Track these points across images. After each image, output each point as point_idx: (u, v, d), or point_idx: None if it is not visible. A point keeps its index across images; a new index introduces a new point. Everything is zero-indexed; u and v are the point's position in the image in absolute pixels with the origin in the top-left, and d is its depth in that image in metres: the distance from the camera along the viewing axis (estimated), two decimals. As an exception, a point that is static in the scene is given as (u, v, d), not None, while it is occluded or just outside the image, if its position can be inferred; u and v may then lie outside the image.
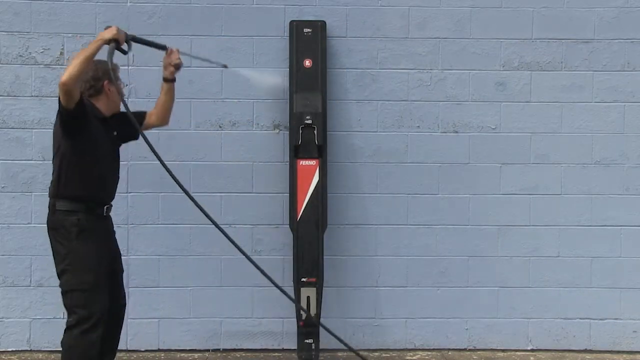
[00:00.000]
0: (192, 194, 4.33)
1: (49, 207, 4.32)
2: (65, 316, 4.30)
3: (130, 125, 4.49)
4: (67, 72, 4.04)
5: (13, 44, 5.59)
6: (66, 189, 4.26)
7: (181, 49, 4.69)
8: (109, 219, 4.49)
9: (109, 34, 4.23)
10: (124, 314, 4.60)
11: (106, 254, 4.36)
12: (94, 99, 4.40)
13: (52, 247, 4.34)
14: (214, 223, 4.32)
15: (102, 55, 4.27)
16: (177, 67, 4.63)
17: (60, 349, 4.50)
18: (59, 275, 4.29)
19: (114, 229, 4.54)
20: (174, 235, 5.67)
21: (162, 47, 4.66)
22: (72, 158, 4.24)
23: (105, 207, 4.40)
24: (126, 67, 5.52)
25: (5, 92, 5.59)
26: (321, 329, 5.30)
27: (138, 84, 5.57)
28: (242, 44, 5.68)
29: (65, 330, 4.27)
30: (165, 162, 4.23)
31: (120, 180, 5.53)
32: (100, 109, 4.40)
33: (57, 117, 4.25)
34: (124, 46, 4.37)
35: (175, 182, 4.20)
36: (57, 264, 4.30)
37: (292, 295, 5.41)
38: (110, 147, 4.45)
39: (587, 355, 5.72)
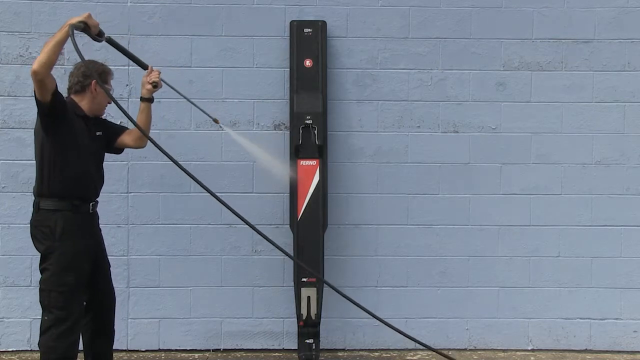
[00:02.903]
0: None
1: (33, 206, 4.30)
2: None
3: (113, 135, 4.52)
4: (37, 60, 4.00)
5: (13, 44, 5.59)
6: (50, 188, 4.23)
7: (167, 81, 4.61)
8: (94, 215, 4.45)
9: (77, 18, 4.14)
10: (114, 308, 4.60)
11: (89, 253, 4.33)
12: (79, 96, 4.39)
13: (34, 245, 4.31)
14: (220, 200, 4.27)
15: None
16: (155, 85, 4.52)
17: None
18: (40, 272, 4.27)
19: (100, 226, 4.53)
20: (174, 235, 5.67)
21: (143, 66, 4.59)
22: (53, 155, 4.21)
23: (90, 204, 4.36)
24: (126, 67, 5.53)
25: (5, 92, 5.59)
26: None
27: (138, 84, 5.54)
28: (242, 44, 5.68)
29: (41, 331, 4.22)
30: (165, 163, 4.23)
31: (120, 180, 5.58)
32: (82, 107, 4.38)
33: (37, 116, 4.23)
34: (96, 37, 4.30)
35: (189, 176, 4.19)
36: (40, 262, 4.28)
37: (293, 294, 5.43)
38: (93, 145, 4.40)
39: (587, 355, 5.72)
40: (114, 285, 5.58)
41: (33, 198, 4.32)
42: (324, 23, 5.63)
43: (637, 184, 5.76)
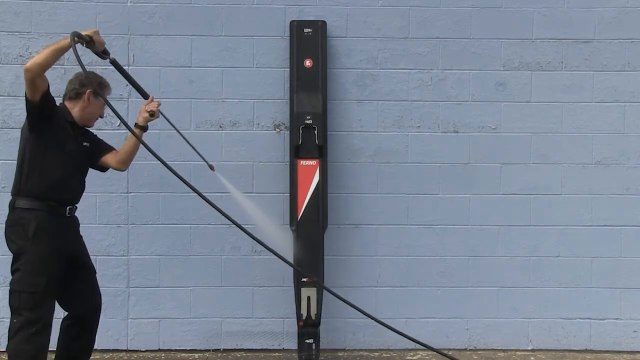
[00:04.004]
0: (193, 194, 4.31)
1: (9, 205, 4.28)
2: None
3: (98, 151, 4.49)
4: (33, 59, 4.04)
5: (13, 44, 5.59)
6: (27, 187, 4.21)
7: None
8: (72, 219, 4.40)
9: (85, 31, 4.17)
10: (99, 315, 4.53)
11: (61, 256, 4.25)
12: (72, 102, 4.40)
13: (8, 246, 4.26)
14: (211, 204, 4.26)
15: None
16: (152, 114, 4.49)
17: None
18: (12, 273, 4.22)
19: (79, 229, 4.48)
20: (174, 235, 5.67)
21: (145, 95, 4.58)
22: (35, 155, 4.21)
23: (68, 207, 4.31)
24: (126, 67, 5.51)
25: (5, 92, 5.60)
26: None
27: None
28: (242, 44, 5.68)
29: (10, 335, 4.14)
30: (166, 163, 4.22)
31: (120, 180, 5.58)
32: (73, 114, 4.38)
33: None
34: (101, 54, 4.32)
35: (180, 179, 4.17)
36: (12, 263, 4.23)
37: (293, 294, 5.42)
38: (78, 153, 4.37)
39: (587, 355, 5.72)
40: (114, 286, 5.65)
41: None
42: (324, 23, 5.63)
43: (637, 184, 5.76)
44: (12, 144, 5.57)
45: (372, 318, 4.60)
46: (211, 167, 4.81)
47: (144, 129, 4.51)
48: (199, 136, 5.65)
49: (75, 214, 4.44)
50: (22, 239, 4.16)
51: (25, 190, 4.21)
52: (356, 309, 4.53)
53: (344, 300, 4.54)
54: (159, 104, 4.55)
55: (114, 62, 4.45)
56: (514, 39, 5.73)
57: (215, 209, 4.26)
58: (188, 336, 5.69)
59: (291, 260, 5.43)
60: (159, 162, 4.21)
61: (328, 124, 5.58)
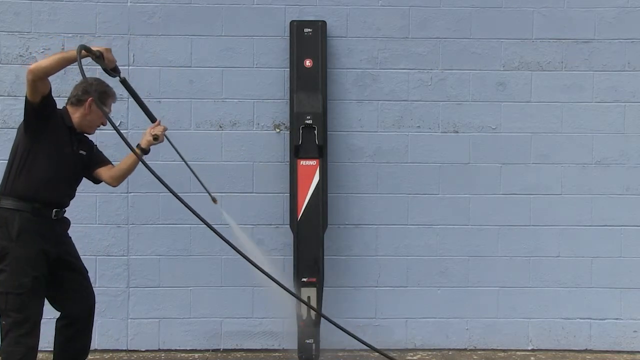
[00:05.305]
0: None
1: None
2: None
3: (94, 162, 4.43)
4: (39, 62, 4.02)
5: (13, 44, 5.59)
6: (13, 187, 4.16)
7: (177, 151, 4.50)
8: (60, 222, 4.32)
9: (96, 47, 4.13)
10: (93, 315, 4.48)
11: (48, 257, 4.19)
12: (73, 107, 4.36)
13: None
14: (204, 222, 4.18)
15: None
16: (156, 138, 4.41)
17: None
18: None
19: (68, 232, 4.41)
20: (174, 235, 5.67)
21: (152, 118, 4.52)
22: (26, 155, 4.16)
23: (54, 210, 4.24)
24: (126, 67, 5.53)
25: (5, 92, 5.60)
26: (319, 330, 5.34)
27: (138, 84, 5.54)
28: (242, 44, 5.68)
29: (1, 337, 4.12)
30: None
31: (120, 180, 5.56)
32: (72, 120, 4.34)
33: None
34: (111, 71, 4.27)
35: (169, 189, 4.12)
36: None
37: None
38: (73, 158, 4.32)
39: (587, 355, 5.72)
40: (114, 286, 5.65)
41: None
42: (324, 23, 5.63)
43: (637, 184, 5.76)
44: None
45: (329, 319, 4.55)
46: (214, 200, 4.72)
47: (145, 151, 4.42)
48: (199, 136, 5.66)
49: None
50: (6, 239, 4.11)
51: (11, 190, 4.16)
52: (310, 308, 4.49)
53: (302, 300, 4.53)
54: (165, 129, 4.48)
55: (124, 82, 4.36)
56: (514, 39, 5.73)
57: (204, 222, 4.15)
58: (188, 336, 5.69)
59: (291, 262, 5.45)
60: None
61: (328, 124, 5.58)
